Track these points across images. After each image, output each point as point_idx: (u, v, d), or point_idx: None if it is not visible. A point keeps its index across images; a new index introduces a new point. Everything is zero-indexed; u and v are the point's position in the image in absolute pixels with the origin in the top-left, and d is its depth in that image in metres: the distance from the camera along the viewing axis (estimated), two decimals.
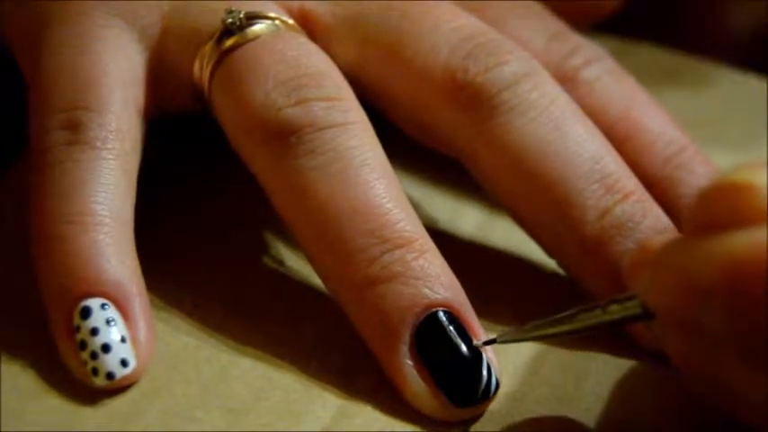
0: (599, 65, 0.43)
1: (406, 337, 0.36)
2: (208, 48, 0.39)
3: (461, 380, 0.36)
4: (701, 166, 0.41)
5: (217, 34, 0.39)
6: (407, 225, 0.37)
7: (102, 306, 0.36)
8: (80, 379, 0.36)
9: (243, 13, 0.39)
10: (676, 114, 0.43)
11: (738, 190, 0.31)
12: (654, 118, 0.42)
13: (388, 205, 0.37)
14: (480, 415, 0.36)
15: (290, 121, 0.37)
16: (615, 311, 0.34)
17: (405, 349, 0.36)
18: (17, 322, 0.37)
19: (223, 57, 0.39)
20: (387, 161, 0.38)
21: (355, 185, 0.37)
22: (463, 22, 0.40)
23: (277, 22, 0.39)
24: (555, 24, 0.44)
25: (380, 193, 0.37)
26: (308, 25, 0.41)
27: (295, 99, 0.38)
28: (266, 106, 0.38)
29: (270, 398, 0.36)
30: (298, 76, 0.38)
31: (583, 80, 0.42)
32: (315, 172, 0.37)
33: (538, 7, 0.45)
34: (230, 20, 0.39)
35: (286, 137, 0.37)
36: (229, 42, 0.39)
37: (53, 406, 0.35)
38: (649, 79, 0.45)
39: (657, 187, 0.40)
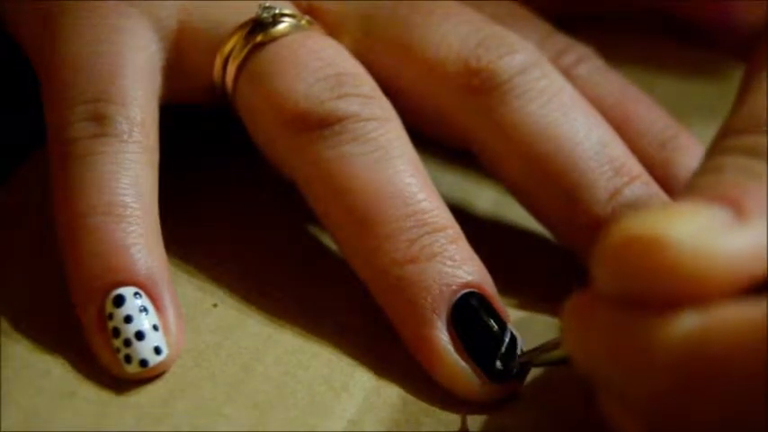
0: (590, 62, 0.44)
1: (444, 313, 0.36)
2: (232, 43, 0.39)
3: (498, 357, 0.36)
4: (696, 149, 0.42)
5: (247, 29, 0.39)
6: (442, 213, 0.38)
7: (135, 294, 0.36)
8: (110, 368, 0.36)
9: (277, 9, 0.39)
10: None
11: (651, 246, 0.28)
12: (646, 108, 0.43)
13: (423, 194, 0.38)
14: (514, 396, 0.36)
15: (334, 112, 0.38)
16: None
17: (441, 325, 0.36)
18: (40, 325, 0.37)
19: (252, 52, 0.39)
20: (419, 157, 0.39)
21: (395, 173, 0.38)
22: (470, 16, 0.41)
23: (302, 22, 0.40)
24: (545, 26, 0.45)
25: (416, 182, 0.38)
26: (316, 21, 0.41)
27: (337, 93, 0.38)
28: (309, 98, 0.38)
29: (295, 393, 0.36)
30: (337, 74, 0.39)
31: (576, 75, 0.43)
32: (357, 158, 0.38)
33: (527, 10, 0.46)
34: (265, 14, 0.39)
35: (330, 125, 0.38)
36: (259, 38, 0.39)
37: (81, 407, 0.35)
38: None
39: (655, 170, 0.41)
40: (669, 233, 0.29)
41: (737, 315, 0.28)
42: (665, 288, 0.29)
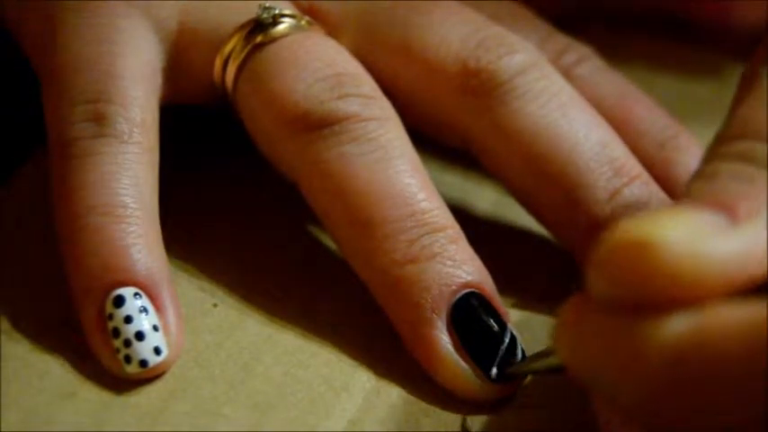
0: (590, 62, 0.44)
1: (444, 313, 0.36)
2: (232, 43, 0.39)
3: (498, 356, 0.36)
4: (696, 149, 0.42)
5: (248, 29, 0.39)
6: (442, 213, 0.38)
7: (135, 295, 0.36)
8: (109, 368, 0.36)
9: (277, 10, 0.40)
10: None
11: (643, 250, 0.29)
12: (646, 108, 0.44)
13: (423, 194, 0.38)
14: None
15: (334, 112, 0.38)
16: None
17: (441, 325, 0.36)
18: (40, 325, 0.37)
19: (252, 52, 0.39)
20: (418, 157, 0.39)
21: (395, 173, 0.38)
22: (470, 16, 0.41)
23: (303, 22, 0.40)
24: (546, 26, 0.45)
25: (416, 182, 0.38)
26: (317, 22, 0.41)
27: (337, 94, 0.38)
28: (309, 98, 0.38)
29: (295, 393, 0.36)
30: (337, 74, 0.39)
31: (576, 75, 0.43)
32: (357, 158, 0.38)
33: (527, 10, 0.46)
34: (265, 15, 0.39)
35: (330, 125, 0.38)
36: (259, 38, 0.39)
37: (81, 407, 0.35)
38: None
39: (655, 170, 0.41)
40: (660, 237, 0.29)
41: (729, 316, 0.28)
42: (657, 291, 0.29)
